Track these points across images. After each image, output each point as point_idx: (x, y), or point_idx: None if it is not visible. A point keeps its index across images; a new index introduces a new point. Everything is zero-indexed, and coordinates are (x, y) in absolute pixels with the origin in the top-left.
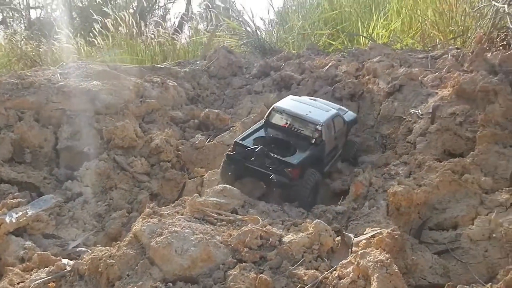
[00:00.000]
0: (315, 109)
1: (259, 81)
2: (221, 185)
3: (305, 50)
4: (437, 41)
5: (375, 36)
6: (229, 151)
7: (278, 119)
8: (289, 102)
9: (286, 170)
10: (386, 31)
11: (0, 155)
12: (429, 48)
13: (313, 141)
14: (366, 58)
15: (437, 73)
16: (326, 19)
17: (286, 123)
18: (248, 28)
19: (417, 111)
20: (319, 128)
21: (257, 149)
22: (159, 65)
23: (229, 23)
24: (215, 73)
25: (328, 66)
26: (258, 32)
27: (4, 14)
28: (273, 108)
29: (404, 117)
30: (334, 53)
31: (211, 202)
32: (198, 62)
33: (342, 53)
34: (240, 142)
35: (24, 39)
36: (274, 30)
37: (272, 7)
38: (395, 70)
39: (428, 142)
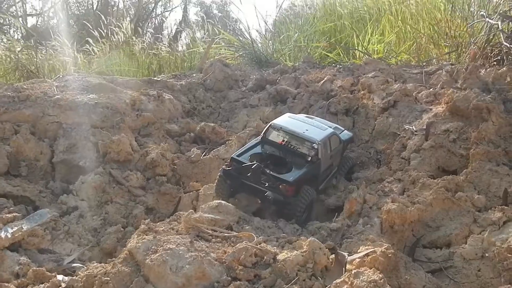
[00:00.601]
0: (312, 127)
1: (255, 95)
2: (216, 201)
3: (301, 63)
4: (433, 55)
5: (370, 51)
6: (225, 166)
7: (275, 136)
8: (286, 120)
9: (281, 187)
10: (380, 46)
11: None
12: (424, 63)
13: (309, 159)
14: (361, 73)
15: (431, 89)
16: (322, 31)
17: (283, 140)
18: (244, 40)
19: (411, 127)
20: (316, 146)
21: (253, 166)
22: (155, 78)
23: (225, 35)
24: (211, 86)
25: (324, 80)
26: (254, 44)
27: (1, 21)
28: (270, 125)
29: (398, 133)
30: (329, 66)
31: (206, 218)
32: (194, 75)
33: (337, 66)
34: (237, 158)
35: (21, 49)
36: (270, 42)
37: (265, 21)
38: (390, 85)
39: (422, 159)
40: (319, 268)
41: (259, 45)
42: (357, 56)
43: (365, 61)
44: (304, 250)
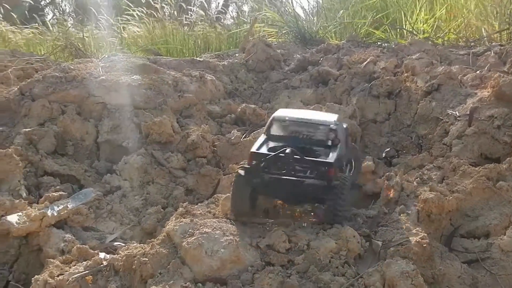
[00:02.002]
0: (317, 113)
1: (297, 76)
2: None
3: (345, 42)
4: (483, 33)
5: (417, 30)
6: (242, 166)
7: (281, 129)
8: (287, 111)
9: (324, 170)
10: (428, 25)
11: (44, 147)
12: (472, 44)
13: (330, 142)
14: (406, 54)
15: (477, 72)
16: (369, 7)
17: (292, 132)
18: (288, 17)
19: (454, 112)
20: (333, 127)
21: (286, 151)
22: (198, 58)
23: (269, 12)
24: (253, 66)
25: (366, 62)
26: (298, 22)
27: None
28: (273, 118)
29: (441, 117)
30: (374, 45)
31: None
32: (237, 55)
33: (382, 45)
34: (258, 151)
35: (69, 28)
36: (315, 18)
37: None
38: (435, 68)
39: (464, 145)
40: (352, 256)
41: (304, 22)
42: (404, 34)
43: (410, 42)
44: (338, 237)
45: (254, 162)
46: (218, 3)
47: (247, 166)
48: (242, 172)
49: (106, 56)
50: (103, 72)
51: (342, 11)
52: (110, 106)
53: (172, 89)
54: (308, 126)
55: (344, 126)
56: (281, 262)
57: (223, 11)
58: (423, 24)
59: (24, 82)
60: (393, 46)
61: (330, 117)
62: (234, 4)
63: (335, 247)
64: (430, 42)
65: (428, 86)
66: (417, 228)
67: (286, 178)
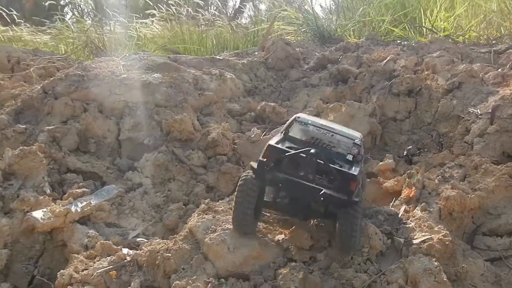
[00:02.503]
0: (342, 127)
1: (316, 74)
2: None
3: (364, 40)
4: (504, 32)
5: (437, 28)
6: (256, 162)
7: (301, 132)
8: (310, 116)
9: (346, 182)
10: (448, 23)
11: (67, 145)
12: (493, 42)
13: (351, 158)
14: (426, 52)
15: (499, 70)
16: (388, 5)
17: (312, 138)
18: (307, 15)
19: (476, 111)
20: (358, 142)
21: (309, 152)
22: (217, 57)
23: (288, 10)
24: (272, 65)
25: (386, 60)
26: (317, 20)
27: None
28: (295, 119)
29: (462, 116)
30: (394, 43)
31: None
32: (256, 53)
33: (402, 43)
34: (276, 145)
35: (89, 27)
36: (333, 17)
37: None
38: (455, 66)
39: (486, 144)
40: (374, 253)
41: (322, 20)
42: (424, 33)
43: (430, 40)
44: (360, 234)
45: (270, 156)
46: (235, 2)
47: (262, 159)
48: (254, 165)
49: (127, 54)
50: (124, 70)
51: (361, 9)
52: (132, 104)
53: (192, 87)
54: (331, 135)
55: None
56: (303, 258)
57: (241, 10)
58: (444, 22)
59: (47, 81)
60: (413, 44)
61: (354, 133)
62: (250, 3)
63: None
64: (450, 40)
65: (449, 84)
66: (439, 226)
67: (302, 183)
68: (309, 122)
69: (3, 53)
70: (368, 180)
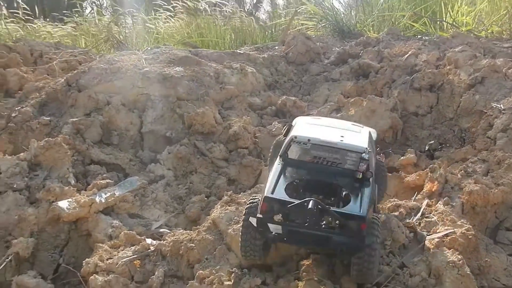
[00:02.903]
0: (345, 131)
1: (337, 69)
2: None
3: (385, 35)
4: None
5: (459, 22)
6: (253, 215)
7: (301, 153)
8: (309, 128)
9: (355, 226)
10: (470, 18)
11: (90, 137)
12: None
13: (361, 175)
14: (448, 47)
15: None
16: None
17: (314, 157)
18: (326, 10)
19: (499, 106)
20: (366, 156)
21: (309, 203)
22: (238, 51)
23: (307, 5)
24: (293, 59)
25: (408, 54)
26: (337, 15)
27: None
28: (292, 139)
29: (485, 111)
30: (414, 38)
31: None
32: (276, 47)
33: (423, 38)
34: (273, 197)
35: (110, 21)
36: (353, 11)
37: None
38: (478, 61)
39: (509, 139)
40: (396, 246)
41: (342, 15)
42: (445, 27)
43: (452, 34)
44: (382, 227)
45: (268, 211)
46: None
47: (259, 216)
48: (253, 221)
49: (149, 48)
50: (146, 64)
51: (380, 3)
52: (154, 97)
53: (213, 81)
54: (335, 152)
55: (374, 136)
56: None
57: (258, 5)
58: (466, 17)
59: (71, 74)
60: (434, 39)
61: (360, 139)
62: None
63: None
64: (472, 35)
65: (472, 79)
66: (462, 220)
67: (309, 232)
68: (308, 139)
69: (26, 46)
70: (390, 174)
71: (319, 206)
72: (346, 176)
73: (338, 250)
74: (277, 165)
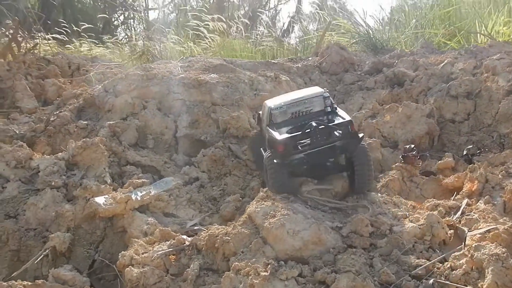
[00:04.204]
0: (302, 90)
1: (371, 78)
2: None
3: (419, 48)
4: None
5: (495, 34)
6: (273, 153)
7: (282, 115)
8: (276, 99)
9: (347, 128)
10: (507, 28)
11: (126, 139)
12: None
13: (328, 109)
14: (485, 55)
15: None
16: (441, 17)
17: (293, 113)
18: (359, 27)
19: None
20: (326, 94)
21: (311, 128)
22: (272, 61)
23: (340, 22)
24: (327, 69)
25: (444, 63)
26: (370, 31)
27: (126, 15)
28: (270, 109)
29: None
30: (450, 51)
31: (317, 189)
32: (310, 58)
33: (459, 51)
34: (285, 137)
35: (144, 38)
36: (386, 28)
37: (381, 7)
38: None
39: None
40: (436, 241)
41: (375, 31)
42: (479, 41)
43: (489, 44)
44: (421, 223)
45: (285, 148)
46: (284, 23)
47: (280, 152)
48: (277, 160)
49: (184, 57)
50: (182, 71)
51: (414, 20)
52: (189, 102)
53: (248, 88)
54: (304, 103)
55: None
56: (363, 245)
57: (289, 30)
58: (503, 27)
59: (108, 81)
60: (471, 48)
61: (317, 89)
62: (299, 23)
63: (418, 232)
64: (510, 45)
65: (510, 85)
66: (504, 218)
67: (320, 149)
68: (282, 103)
69: (64, 60)
70: (427, 178)
71: (319, 126)
72: (320, 115)
73: (343, 152)
74: (269, 129)
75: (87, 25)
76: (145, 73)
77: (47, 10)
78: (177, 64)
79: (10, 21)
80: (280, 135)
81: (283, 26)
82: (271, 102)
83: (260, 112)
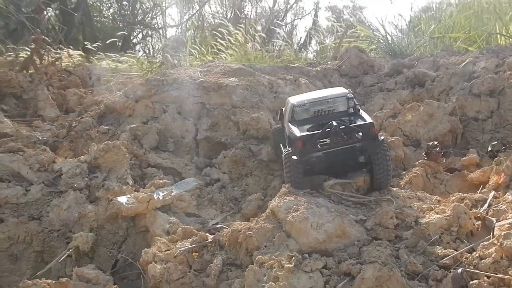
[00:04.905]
0: (327, 90)
1: (391, 79)
2: None
3: (440, 51)
4: None
5: None
6: (292, 149)
7: (304, 113)
8: (300, 97)
9: (368, 130)
10: None
11: (147, 143)
12: None
13: (351, 110)
14: (507, 54)
15: None
16: (461, 23)
17: (315, 111)
18: (378, 34)
19: None
20: (349, 95)
21: (331, 128)
22: (291, 65)
23: (359, 29)
24: (346, 72)
25: (465, 62)
26: (389, 37)
27: (144, 33)
28: (293, 106)
29: None
30: (471, 52)
31: (339, 183)
32: (329, 62)
33: (480, 51)
34: (305, 134)
35: (162, 56)
36: (404, 35)
37: (400, 14)
38: None
39: None
40: (464, 232)
41: (394, 38)
42: (499, 41)
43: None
44: (447, 214)
45: (304, 145)
46: (300, 37)
47: (299, 149)
48: (295, 157)
49: (203, 63)
50: (201, 75)
51: (433, 26)
52: (209, 105)
53: (268, 90)
54: (327, 102)
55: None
56: (388, 237)
57: (305, 45)
58: None
59: (128, 87)
60: (493, 47)
61: (342, 90)
62: (316, 37)
63: (445, 223)
64: None
65: None
66: None
67: (339, 149)
68: (305, 101)
69: (85, 71)
70: (451, 174)
71: (339, 126)
72: (344, 115)
73: (363, 153)
74: (290, 125)
75: (106, 42)
76: (165, 78)
77: (67, 29)
78: (197, 69)
79: (33, 35)
80: (300, 132)
81: (300, 40)
82: (295, 99)
83: (283, 109)
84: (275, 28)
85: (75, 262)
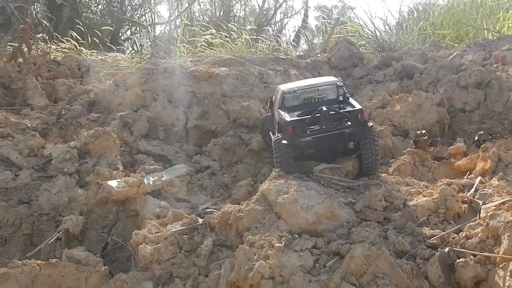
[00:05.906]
0: (317, 79)
1: (380, 72)
2: None
3: (428, 46)
4: None
5: (503, 30)
6: (282, 134)
7: (294, 100)
8: (291, 84)
9: (357, 116)
10: None
11: (137, 130)
12: None
13: (341, 98)
14: (494, 48)
15: None
16: (449, 20)
17: (305, 98)
18: (367, 30)
19: None
20: (339, 83)
21: (321, 113)
22: (281, 56)
23: (349, 24)
24: (335, 64)
25: (453, 56)
26: (378, 33)
27: (132, 30)
28: (284, 92)
29: None
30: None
31: (329, 168)
32: (318, 55)
33: (468, 45)
34: (295, 119)
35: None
36: (394, 31)
37: (389, 11)
38: None
39: None
40: (451, 214)
41: (382, 33)
42: (486, 36)
43: (498, 37)
44: (435, 197)
45: (294, 130)
46: (290, 36)
47: (288, 134)
48: (285, 142)
49: (194, 53)
50: (192, 65)
51: (421, 22)
52: (199, 94)
53: (258, 80)
54: (317, 90)
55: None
56: (377, 219)
57: (294, 43)
58: (510, 21)
59: (118, 76)
60: (480, 41)
61: (331, 78)
62: (305, 37)
63: (433, 205)
64: None
65: None
66: None
67: (328, 134)
68: (296, 88)
69: (74, 62)
70: (439, 162)
71: (329, 111)
72: (332, 103)
73: (351, 140)
74: (280, 111)
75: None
76: (155, 67)
77: (55, 23)
78: (187, 59)
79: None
80: (290, 117)
81: (289, 39)
82: (285, 86)
83: (273, 97)
84: (265, 28)
85: (64, 245)
